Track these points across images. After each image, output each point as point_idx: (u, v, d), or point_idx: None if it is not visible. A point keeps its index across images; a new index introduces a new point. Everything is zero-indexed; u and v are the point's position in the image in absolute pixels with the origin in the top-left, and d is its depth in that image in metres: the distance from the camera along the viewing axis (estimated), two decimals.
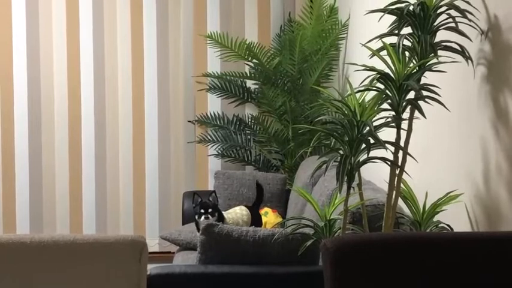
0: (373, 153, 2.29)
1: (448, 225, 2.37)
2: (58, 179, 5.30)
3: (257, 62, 4.93)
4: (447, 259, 1.75)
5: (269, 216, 4.20)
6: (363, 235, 2.23)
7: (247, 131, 5.22)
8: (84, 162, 5.30)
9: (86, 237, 1.86)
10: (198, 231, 3.27)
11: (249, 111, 5.29)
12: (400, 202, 2.42)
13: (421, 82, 2.27)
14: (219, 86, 5.22)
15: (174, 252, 4.21)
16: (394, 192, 2.34)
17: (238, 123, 5.25)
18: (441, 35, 2.28)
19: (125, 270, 1.87)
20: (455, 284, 1.75)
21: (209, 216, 3.61)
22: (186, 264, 3.45)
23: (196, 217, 3.64)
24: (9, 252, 1.88)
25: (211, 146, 5.23)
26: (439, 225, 2.38)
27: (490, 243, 1.79)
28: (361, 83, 2.33)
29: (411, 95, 2.27)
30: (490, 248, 1.78)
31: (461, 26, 2.25)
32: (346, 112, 2.30)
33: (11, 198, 5.27)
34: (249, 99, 5.22)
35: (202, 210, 3.62)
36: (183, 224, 4.54)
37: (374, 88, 2.29)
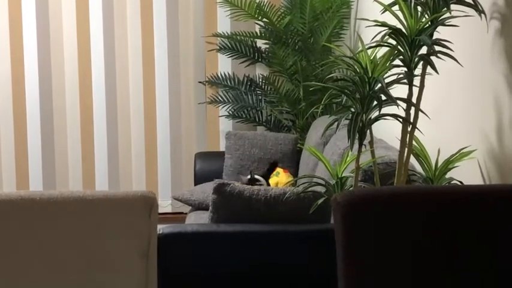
0: (384, 110, 2.27)
1: (460, 181, 2.36)
2: (70, 139, 5.31)
3: (267, 21, 4.88)
4: (458, 211, 1.74)
5: (280, 176, 4.20)
6: (374, 189, 2.22)
7: (258, 92, 5.20)
8: (95, 123, 5.29)
9: (96, 193, 1.86)
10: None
11: (260, 71, 5.25)
12: (412, 159, 2.41)
13: (434, 37, 2.24)
14: (230, 46, 5.17)
15: (186, 213, 4.23)
16: (406, 149, 2.32)
17: (249, 83, 5.22)
18: None
19: (134, 226, 1.87)
20: (465, 236, 1.74)
21: None
22: (198, 223, 3.46)
23: None
24: (19, 208, 1.89)
25: (222, 107, 5.22)
26: (452, 182, 2.37)
27: (501, 194, 1.78)
28: (373, 39, 2.30)
29: (423, 50, 2.24)
30: (501, 199, 1.76)
31: None
32: (357, 69, 2.28)
33: (23, 157, 5.29)
34: (260, 59, 5.17)
35: None
36: (195, 184, 4.55)
37: (386, 44, 2.26)
